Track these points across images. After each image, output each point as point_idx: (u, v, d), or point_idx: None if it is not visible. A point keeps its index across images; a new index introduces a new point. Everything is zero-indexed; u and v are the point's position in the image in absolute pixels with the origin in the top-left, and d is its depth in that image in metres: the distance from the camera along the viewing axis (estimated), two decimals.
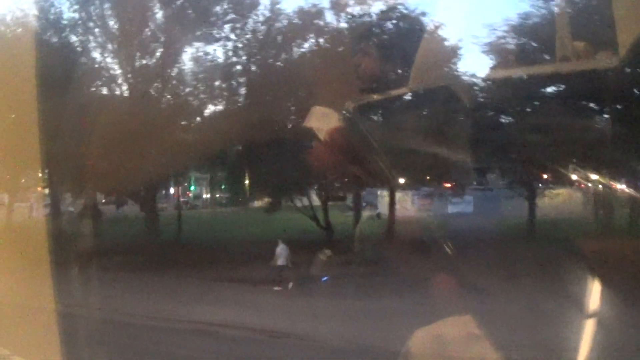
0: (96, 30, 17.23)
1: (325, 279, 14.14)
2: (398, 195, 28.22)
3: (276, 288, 14.40)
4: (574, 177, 18.01)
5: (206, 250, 17.62)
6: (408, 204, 28.37)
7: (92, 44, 17.72)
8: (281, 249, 15.30)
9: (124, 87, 17.24)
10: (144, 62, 16.80)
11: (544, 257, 14.82)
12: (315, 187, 19.80)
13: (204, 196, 42.24)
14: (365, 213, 26.41)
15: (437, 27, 17.72)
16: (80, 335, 9.36)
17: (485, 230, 21.57)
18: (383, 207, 29.23)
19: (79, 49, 17.83)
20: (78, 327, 9.83)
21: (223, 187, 33.24)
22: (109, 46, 17.34)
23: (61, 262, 15.14)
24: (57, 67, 15.89)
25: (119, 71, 17.16)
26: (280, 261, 15.18)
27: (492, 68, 18.89)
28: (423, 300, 10.93)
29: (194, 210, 34.46)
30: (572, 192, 23.47)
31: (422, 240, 19.49)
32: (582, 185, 20.37)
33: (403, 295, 13.14)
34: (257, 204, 35.33)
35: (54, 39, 18.14)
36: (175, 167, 16.79)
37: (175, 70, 16.95)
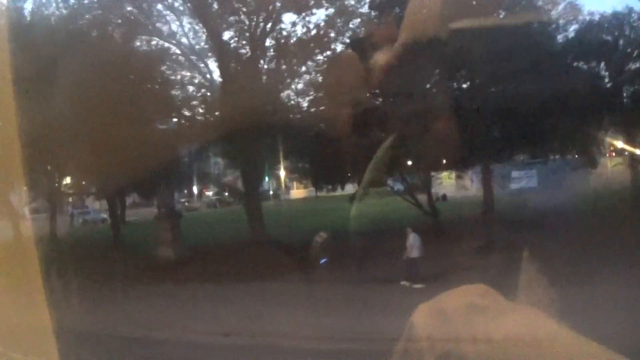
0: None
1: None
2: (449, 175, 26.67)
3: (404, 283, 12.44)
4: None
5: (303, 248, 15.31)
6: (467, 183, 26.64)
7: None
8: (414, 239, 13.29)
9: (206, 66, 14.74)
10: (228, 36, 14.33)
11: None
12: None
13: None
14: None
15: None
16: None
17: (577, 206, 19.86)
18: (439, 189, 27.38)
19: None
20: None
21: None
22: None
23: (147, 279, 12.88)
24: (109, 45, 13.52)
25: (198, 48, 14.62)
26: (414, 253, 13.16)
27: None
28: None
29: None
30: None
31: (530, 220, 17.95)
32: None
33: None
34: (297, 193, 32.96)
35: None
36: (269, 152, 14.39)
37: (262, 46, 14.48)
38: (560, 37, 15.51)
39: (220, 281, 12.38)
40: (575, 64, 16.18)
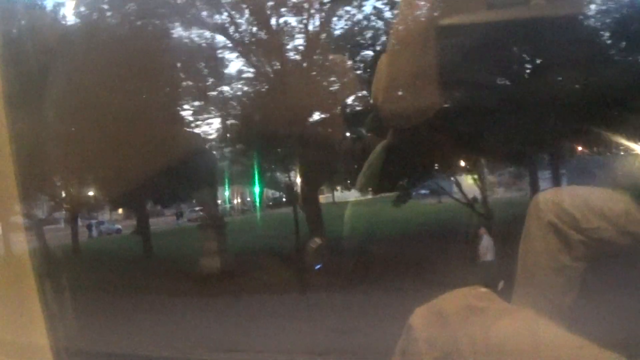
0: None
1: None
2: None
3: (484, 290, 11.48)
4: None
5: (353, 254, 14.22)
6: (495, 185, 25.84)
7: None
8: (487, 242, 12.37)
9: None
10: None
11: None
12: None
13: (235, 200, 38.29)
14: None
15: None
16: None
17: None
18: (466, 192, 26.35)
19: None
20: None
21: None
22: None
23: (198, 292, 11.74)
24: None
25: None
26: (489, 256, 12.24)
27: None
28: None
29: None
30: None
31: None
32: None
33: None
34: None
35: None
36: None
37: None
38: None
39: (282, 292, 11.24)
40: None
